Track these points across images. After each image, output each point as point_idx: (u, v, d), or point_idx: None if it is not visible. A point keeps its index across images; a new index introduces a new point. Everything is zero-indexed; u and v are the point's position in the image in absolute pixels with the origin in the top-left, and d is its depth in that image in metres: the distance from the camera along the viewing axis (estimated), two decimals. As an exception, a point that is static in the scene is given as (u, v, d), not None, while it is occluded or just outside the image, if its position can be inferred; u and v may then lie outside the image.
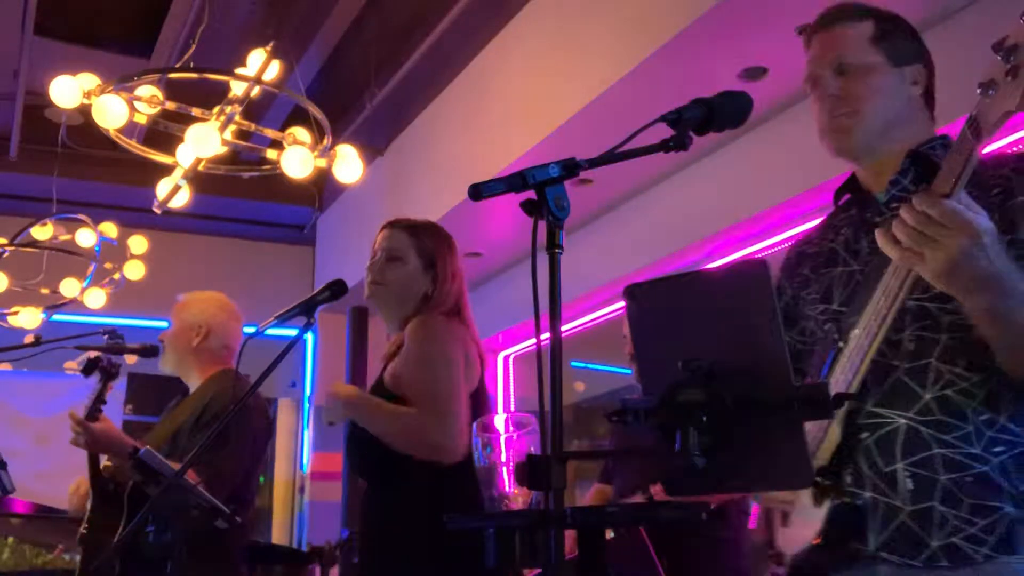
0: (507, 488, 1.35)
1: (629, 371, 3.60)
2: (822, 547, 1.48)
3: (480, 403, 2.26)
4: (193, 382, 3.11)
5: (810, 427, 1.45)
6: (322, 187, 6.78)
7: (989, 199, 1.45)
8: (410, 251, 2.35)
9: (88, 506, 2.89)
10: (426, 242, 2.37)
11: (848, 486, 1.47)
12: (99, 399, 2.79)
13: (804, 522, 1.52)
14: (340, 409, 2.23)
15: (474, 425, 1.41)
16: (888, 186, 1.58)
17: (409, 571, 2.13)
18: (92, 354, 3.00)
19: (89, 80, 3.37)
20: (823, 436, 1.49)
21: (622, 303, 3.93)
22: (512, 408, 6.35)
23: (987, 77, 1.31)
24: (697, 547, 3.11)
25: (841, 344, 1.51)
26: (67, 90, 3.33)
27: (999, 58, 1.30)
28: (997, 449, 1.42)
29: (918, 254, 1.31)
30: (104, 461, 2.88)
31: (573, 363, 6.30)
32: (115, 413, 3.70)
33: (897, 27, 1.63)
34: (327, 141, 3.72)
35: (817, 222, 1.78)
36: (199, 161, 3.66)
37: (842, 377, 1.48)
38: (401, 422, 2.16)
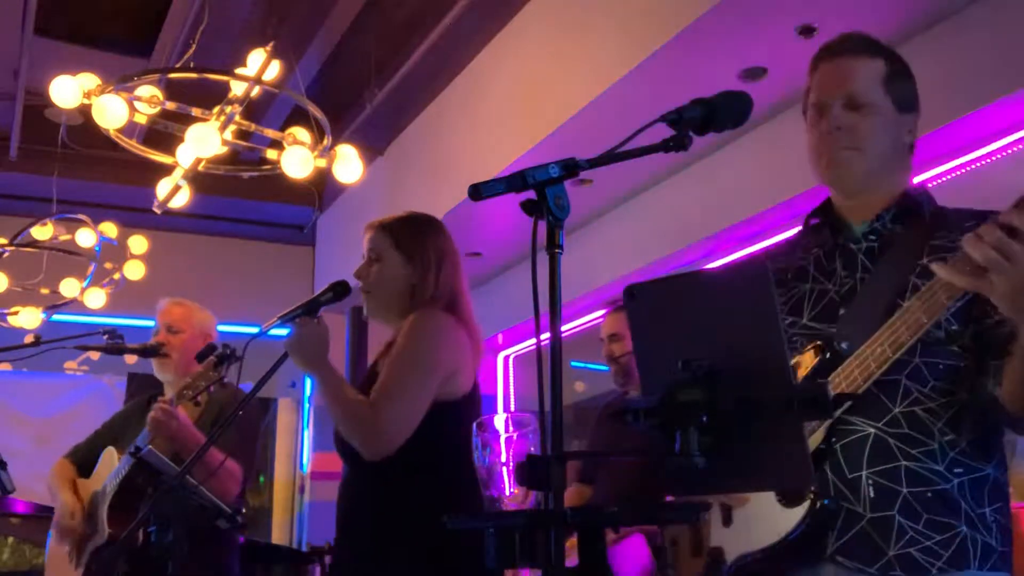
0: (507, 488, 1.35)
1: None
2: (784, 547, 1.49)
3: (470, 407, 2.20)
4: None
5: None
6: (322, 187, 6.78)
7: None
8: (387, 247, 2.30)
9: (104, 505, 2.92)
10: (402, 233, 2.31)
11: (814, 490, 1.50)
12: (206, 389, 2.68)
13: (756, 523, 1.53)
14: (300, 352, 2.15)
15: (473, 425, 1.41)
16: (872, 220, 1.63)
17: (380, 555, 2.13)
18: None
19: (89, 80, 3.37)
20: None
21: (607, 308, 3.89)
22: (512, 408, 6.35)
23: None
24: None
25: (827, 354, 1.54)
26: (67, 90, 3.33)
27: None
28: (957, 470, 1.47)
29: (988, 277, 1.29)
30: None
31: (573, 363, 6.30)
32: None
33: (904, 71, 1.66)
34: (327, 141, 3.72)
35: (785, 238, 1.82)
36: (199, 161, 3.66)
37: (844, 385, 1.50)
38: (348, 402, 2.12)
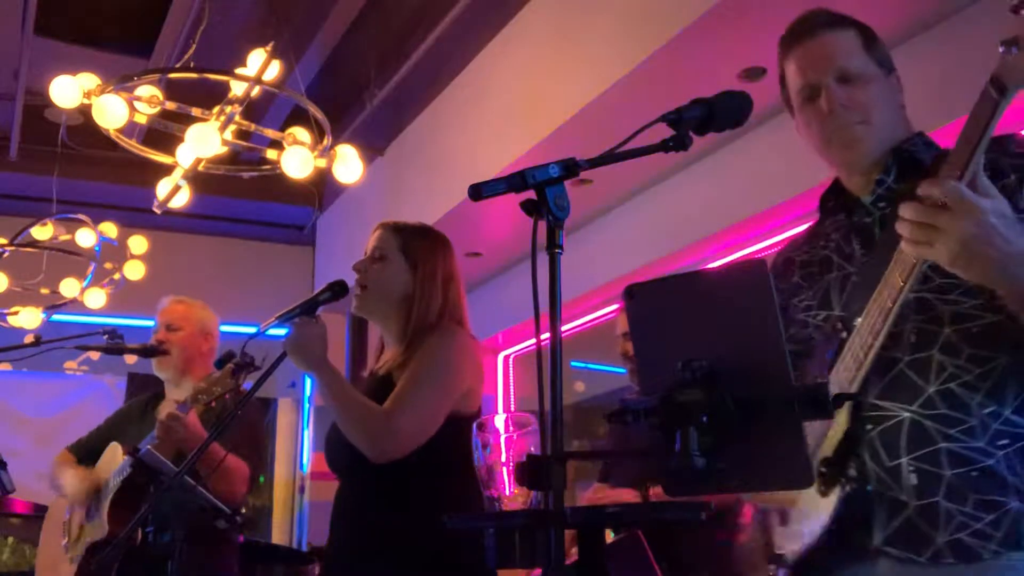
0: (507, 488, 1.35)
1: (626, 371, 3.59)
2: (828, 541, 1.46)
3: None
4: (185, 385, 3.11)
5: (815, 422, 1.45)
6: (322, 187, 6.78)
7: (1003, 183, 1.44)
8: (394, 250, 2.30)
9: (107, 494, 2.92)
10: (411, 241, 2.31)
11: (852, 479, 1.46)
12: (222, 395, 2.66)
13: (806, 519, 1.50)
14: (300, 352, 2.15)
15: (474, 425, 1.41)
16: (874, 186, 1.59)
17: (382, 563, 2.13)
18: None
19: (89, 80, 3.37)
20: (827, 428, 1.48)
21: (620, 303, 3.90)
22: (512, 408, 6.35)
23: (1010, 35, 1.31)
24: (695, 551, 3.09)
25: (844, 335, 1.51)
26: (67, 90, 3.33)
27: (1022, 15, 1.30)
28: (1002, 442, 1.41)
29: (925, 243, 1.31)
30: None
31: (573, 363, 6.30)
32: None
33: (873, 34, 1.63)
34: (327, 141, 3.72)
35: (807, 226, 1.79)
36: (199, 161, 3.66)
37: (844, 370, 1.48)
38: (355, 403, 2.11)
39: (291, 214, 7.06)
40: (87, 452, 3.20)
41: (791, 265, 1.71)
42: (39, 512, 4.14)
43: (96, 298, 5.06)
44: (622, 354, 3.40)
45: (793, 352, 1.64)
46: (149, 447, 2.55)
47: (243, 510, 2.91)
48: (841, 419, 1.47)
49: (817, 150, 1.64)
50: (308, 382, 7.34)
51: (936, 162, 1.55)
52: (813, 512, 1.48)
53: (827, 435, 1.47)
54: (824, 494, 1.46)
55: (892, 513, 1.43)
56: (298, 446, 7.41)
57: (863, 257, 1.57)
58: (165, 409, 2.82)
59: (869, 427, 1.47)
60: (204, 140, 3.37)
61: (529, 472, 1.15)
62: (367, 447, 2.09)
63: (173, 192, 3.89)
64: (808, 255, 1.69)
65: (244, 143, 3.89)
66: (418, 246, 2.32)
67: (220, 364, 2.58)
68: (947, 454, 1.41)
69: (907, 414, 1.45)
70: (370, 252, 2.32)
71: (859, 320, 1.48)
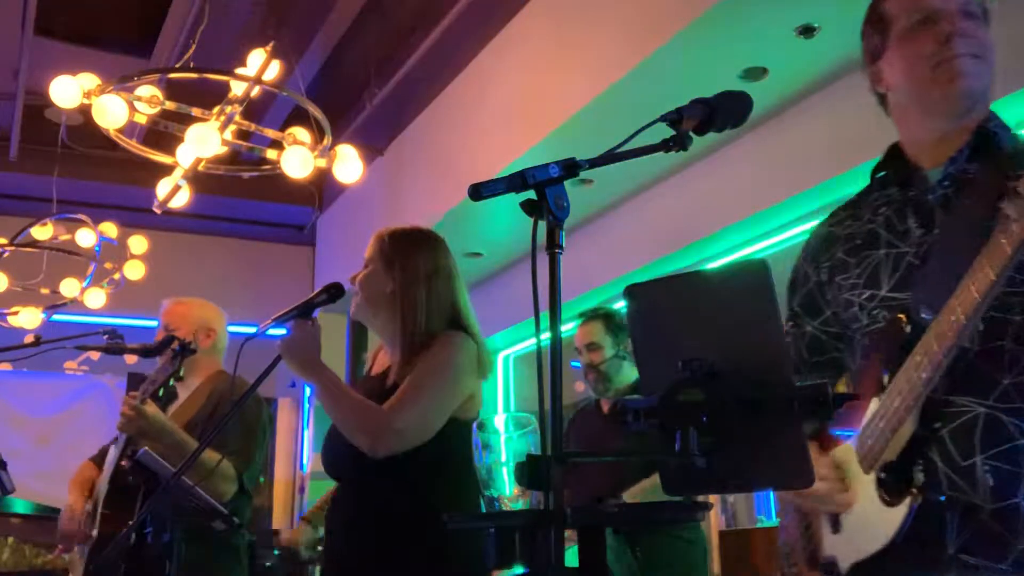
0: (507, 488, 1.35)
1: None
2: (896, 551, 1.35)
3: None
4: (190, 382, 3.11)
5: (879, 422, 1.37)
6: (322, 187, 6.78)
7: None
8: (376, 254, 2.31)
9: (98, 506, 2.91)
10: (391, 244, 2.31)
11: (920, 484, 1.35)
12: (166, 381, 2.72)
13: (864, 528, 1.40)
14: (292, 355, 2.14)
15: (474, 425, 1.41)
16: (946, 163, 1.46)
17: (385, 562, 2.12)
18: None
19: (89, 80, 3.38)
20: (892, 431, 1.36)
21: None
22: (512, 408, 6.35)
23: None
24: (665, 545, 3.11)
25: (908, 328, 1.37)
26: (67, 90, 3.33)
27: None
28: None
29: None
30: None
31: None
32: (115, 413, 3.70)
33: None
34: (327, 141, 3.72)
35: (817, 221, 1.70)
36: (199, 161, 3.66)
37: (926, 361, 1.33)
38: (354, 400, 2.11)
39: (291, 214, 7.07)
40: (102, 459, 3.21)
41: (832, 240, 1.60)
42: (39, 512, 4.13)
43: (96, 298, 5.06)
44: (586, 365, 3.44)
45: (825, 340, 1.60)
46: (146, 448, 2.54)
47: (236, 516, 2.90)
48: (909, 422, 1.35)
49: (915, 84, 1.49)
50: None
51: (1018, 152, 1.44)
52: (872, 522, 1.38)
53: (892, 438, 1.36)
54: (889, 503, 1.35)
55: (967, 518, 1.32)
56: (298, 446, 7.41)
57: (921, 237, 1.45)
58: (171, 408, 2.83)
59: (938, 425, 1.35)
60: (204, 140, 3.37)
61: (529, 472, 1.15)
62: (366, 442, 2.08)
63: (173, 192, 3.89)
64: (851, 228, 1.57)
65: (244, 143, 3.89)
66: (396, 248, 2.30)
67: (160, 348, 2.61)
68: None
69: (982, 409, 1.34)
70: (365, 261, 2.35)
71: (928, 312, 1.34)
